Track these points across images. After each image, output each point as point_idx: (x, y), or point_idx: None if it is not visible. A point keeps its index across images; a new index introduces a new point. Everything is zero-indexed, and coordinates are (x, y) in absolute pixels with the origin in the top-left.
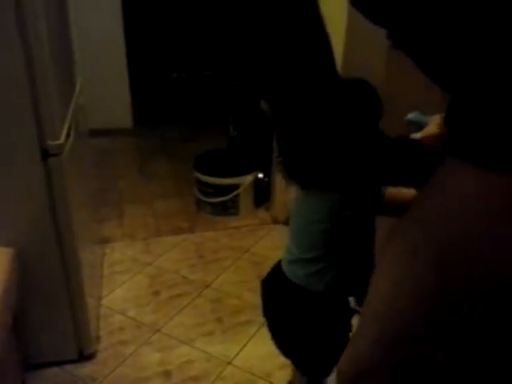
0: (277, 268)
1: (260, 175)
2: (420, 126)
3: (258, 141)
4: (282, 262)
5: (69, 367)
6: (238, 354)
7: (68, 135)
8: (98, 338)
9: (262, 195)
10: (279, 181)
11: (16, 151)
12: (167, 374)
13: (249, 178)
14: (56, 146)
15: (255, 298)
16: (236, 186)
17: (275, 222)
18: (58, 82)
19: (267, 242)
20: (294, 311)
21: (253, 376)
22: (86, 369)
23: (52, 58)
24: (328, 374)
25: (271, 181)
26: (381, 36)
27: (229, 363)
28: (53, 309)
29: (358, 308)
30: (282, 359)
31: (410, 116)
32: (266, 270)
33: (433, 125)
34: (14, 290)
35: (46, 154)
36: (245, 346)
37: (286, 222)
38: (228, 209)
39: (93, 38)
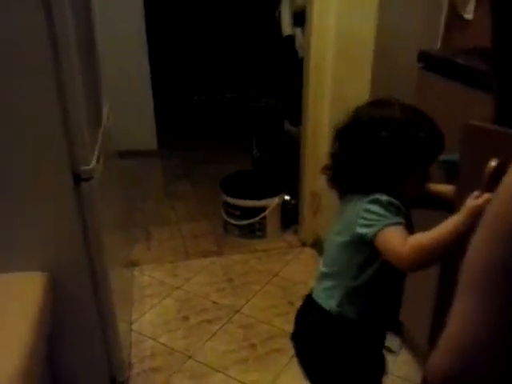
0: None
1: (287, 197)
2: (454, 167)
3: (283, 162)
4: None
5: None
6: (273, 383)
7: (98, 160)
8: (130, 364)
9: (289, 218)
10: (307, 203)
11: (49, 177)
12: None
13: (275, 201)
14: (87, 171)
15: (285, 325)
16: (263, 209)
17: (303, 244)
18: (87, 110)
19: (296, 265)
20: (315, 332)
21: None
22: None
23: (82, 86)
24: None
25: (299, 203)
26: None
27: None
28: (85, 335)
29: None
30: None
31: (443, 157)
32: (295, 294)
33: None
34: (48, 316)
35: (77, 179)
36: (279, 375)
37: (314, 245)
38: (255, 231)
39: (119, 63)
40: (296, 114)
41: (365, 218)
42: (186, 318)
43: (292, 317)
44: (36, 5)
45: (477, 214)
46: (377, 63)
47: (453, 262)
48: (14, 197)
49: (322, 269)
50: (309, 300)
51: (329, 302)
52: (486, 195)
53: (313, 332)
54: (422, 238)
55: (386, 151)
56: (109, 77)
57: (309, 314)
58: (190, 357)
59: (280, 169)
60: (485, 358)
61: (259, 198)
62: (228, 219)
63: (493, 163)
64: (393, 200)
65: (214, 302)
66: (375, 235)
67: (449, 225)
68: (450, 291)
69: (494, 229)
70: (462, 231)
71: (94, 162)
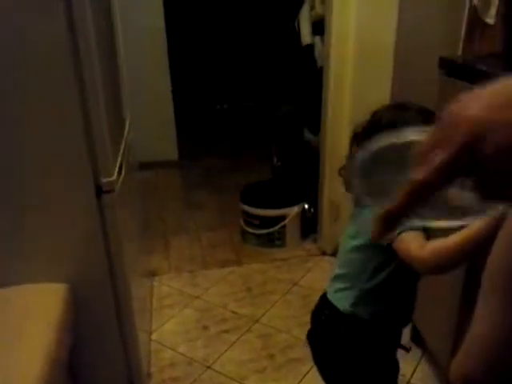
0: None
1: (306, 206)
2: None
3: (303, 171)
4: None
5: None
6: None
7: (120, 172)
8: (149, 374)
9: (309, 226)
10: (326, 211)
11: (71, 189)
12: None
13: (295, 209)
14: (109, 183)
15: (304, 334)
16: (282, 218)
17: (323, 253)
18: (110, 122)
19: (316, 274)
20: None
21: None
22: None
23: (105, 98)
24: None
25: (318, 212)
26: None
27: None
28: (104, 344)
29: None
30: None
31: None
32: (315, 303)
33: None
34: (70, 325)
35: (99, 191)
36: None
37: (334, 254)
38: (274, 240)
39: (140, 74)
40: (315, 122)
41: None
42: (205, 328)
43: None
44: (58, 16)
45: (499, 219)
46: (397, 70)
47: (477, 268)
48: (35, 208)
49: (336, 270)
50: (323, 300)
51: (342, 302)
52: None
53: (325, 330)
54: (443, 242)
55: None
56: (130, 87)
57: (321, 313)
58: (208, 367)
59: (299, 177)
60: (508, 360)
61: (279, 207)
62: (247, 228)
63: None
64: None
65: (233, 312)
66: (393, 240)
67: (470, 230)
68: (474, 296)
69: None
70: (484, 236)
71: (115, 174)
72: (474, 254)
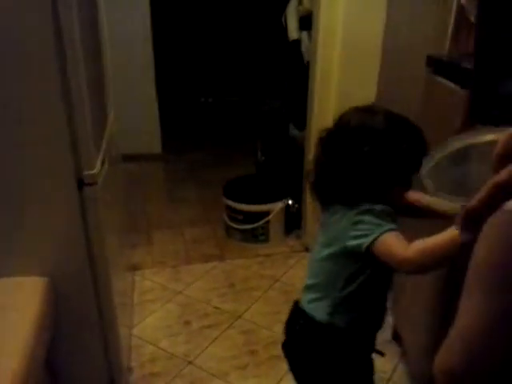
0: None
1: (290, 202)
2: None
3: (287, 167)
4: None
5: None
6: None
7: (102, 164)
8: (130, 369)
9: (293, 222)
10: (310, 207)
11: (52, 182)
12: None
13: (279, 205)
14: (91, 176)
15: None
16: (266, 213)
17: (306, 250)
18: (93, 115)
19: (298, 270)
20: (304, 340)
21: None
22: None
23: (88, 90)
24: None
25: (302, 208)
26: (417, 66)
27: None
28: (84, 339)
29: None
30: None
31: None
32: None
33: None
34: (48, 320)
35: (81, 184)
36: (279, 381)
37: None
38: (258, 236)
39: (123, 65)
40: (301, 118)
41: (358, 230)
42: (187, 323)
43: None
44: (44, 10)
45: None
46: (384, 67)
47: (459, 268)
48: (16, 201)
49: (308, 280)
50: (296, 309)
51: (318, 312)
52: None
53: (300, 340)
54: (427, 242)
55: (369, 165)
56: (114, 79)
57: (296, 322)
58: (189, 362)
59: (284, 173)
60: (491, 350)
61: (263, 203)
62: (230, 223)
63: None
64: (384, 208)
65: (216, 307)
66: (372, 243)
67: (454, 230)
68: (455, 295)
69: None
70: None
71: (97, 166)
72: (457, 254)
